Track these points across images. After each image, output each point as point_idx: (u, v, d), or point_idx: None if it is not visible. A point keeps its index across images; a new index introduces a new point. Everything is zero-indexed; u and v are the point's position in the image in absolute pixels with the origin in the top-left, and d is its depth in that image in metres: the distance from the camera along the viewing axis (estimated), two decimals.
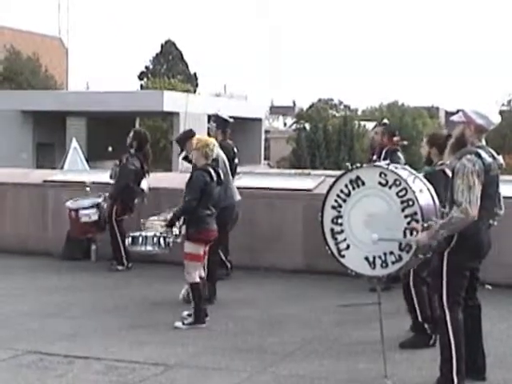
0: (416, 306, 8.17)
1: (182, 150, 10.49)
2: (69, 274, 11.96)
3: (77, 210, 12.54)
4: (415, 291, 8.14)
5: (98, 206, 12.56)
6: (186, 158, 10.66)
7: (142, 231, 9.80)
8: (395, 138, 10.71)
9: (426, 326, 8.05)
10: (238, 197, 10.68)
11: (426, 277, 7.78)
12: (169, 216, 9.75)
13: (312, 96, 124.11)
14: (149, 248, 9.77)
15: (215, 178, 9.13)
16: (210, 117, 11.07)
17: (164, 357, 7.67)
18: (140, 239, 9.73)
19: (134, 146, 12.45)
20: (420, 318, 8.14)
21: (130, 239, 9.90)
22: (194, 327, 8.77)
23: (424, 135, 9.13)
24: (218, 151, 9.88)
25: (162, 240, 9.62)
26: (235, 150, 11.51)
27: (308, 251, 11.81)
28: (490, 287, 7.82)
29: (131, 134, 12.60)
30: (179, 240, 9.36)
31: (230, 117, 11.73)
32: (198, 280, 8.98)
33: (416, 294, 8.13)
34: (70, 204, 12.70)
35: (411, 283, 8.15)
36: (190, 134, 10.42)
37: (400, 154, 10.62)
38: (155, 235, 9.62)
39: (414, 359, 7.62)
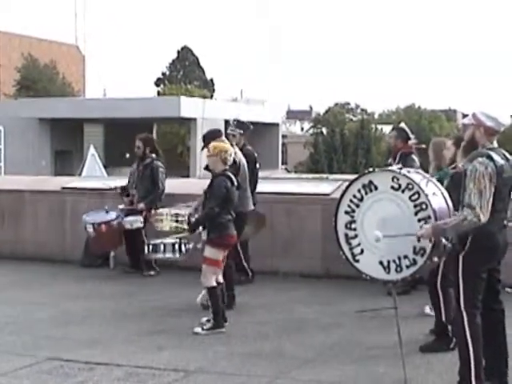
0: (441, 306, 8.18)
1: (204, 148, 10.41)
2: (88, 281, 12.00)
3: (109, 222, 12.41)
4: (442, 292, 8.15)
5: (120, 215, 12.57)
6: (207, 168, 10.63)
7: (161, 238, 9.83)
8: (410, 142, 10.73)
9: (450, 327, 8.04)
10: (250, 207, 10.63)
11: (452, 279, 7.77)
12: (182, 211, 9.82)
13: (329, 100, 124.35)
14: (169, 255, 9.80)
15: (236, 183, 9.17)
16: (227, 122, 11.06)
17: (184, 362, 7.70)
18: (161, 247, 9.75)
19: (148, 151, 12.51)
20: (444, 319, 8.14)
21: (150, 247, 9.91)
22: (213, 332, 8.80)
23: (432, 144, 9.09)
24: (240, 157, 9.92)
25: (182, 246, 9.67)
26: (256, 156, 11.52)
27: (326, 256, 11.81)
28: (510, 290, 7.78)
29: (140, 143, 12.57)
30: (199, 246, 9.39)
31: (248, 122, 11.77)
32: (215, 284, 9.01)
33: (443, 295, 8.14)
34: (91, 218, 12.57)
35: (438, 284, 8.16)
36: (217, 134, 10.34)
37: (414, 157, 10.62)
38: (175, 242, 9.66)
39: (434, 363, 7.62)
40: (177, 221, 10.20)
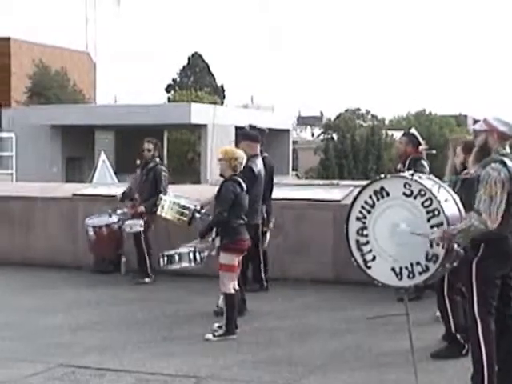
0: (450, 315, 8.15)
1: (236, 145, 10.38)
2: (99, 287, 12.01)
3: (109, 225, 12.50)
4: (449, 301, 8.12)
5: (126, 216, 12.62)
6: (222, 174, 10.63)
7: (176, 249, 9.78)
8: (421, 147, 10.70)
9: (459, 336, 8.02)
10: (258, 220, 10.50)
11: (461, 286, 7.74)
12: (188, 204, 9.85)
13: (339, 106, 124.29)
14: (185, 264, 9.70)
15: (245, 188, 9.17)
16: (238, 128, 11.03)
17: (195, 369, 7.70)
18: (176, 257, 9.69)
19: (156, 156, 12.52)
20: (453, 329, 8.11)
21: (165, 258, 9.75)
22: (224, 339, 8.79)
23: (450, 141, 9.05)
24: (260, 168, 9.88)
25: (197, 255, 9.64)
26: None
27: (337, 262, 11.81)
28: None
29: (151, 146, 12.53)
30: (213, 253, 9.37)
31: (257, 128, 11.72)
32: (232, 291, 9.02)
33: (450, 303, 8.11)
34: (93, 221, 12.65)
35: (445, 293, 8.13)
36: (253, 137, 10.39)
37: (424, 162, 10.59)
38: (190, 251, 9.63)
39: (445, 369, 7.61)
40: (181, 213, 10.22)
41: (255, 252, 10.69)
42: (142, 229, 12.17)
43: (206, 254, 9.55)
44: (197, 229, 9.76)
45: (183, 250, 9.67)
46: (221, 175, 9.38)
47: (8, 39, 72.54)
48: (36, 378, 7.49)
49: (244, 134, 10.52)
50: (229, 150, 9.41)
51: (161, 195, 11.14)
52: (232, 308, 8.98)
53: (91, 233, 12.51)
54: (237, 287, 9.18)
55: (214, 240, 9.22)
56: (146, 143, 12.64)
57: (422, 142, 10.84)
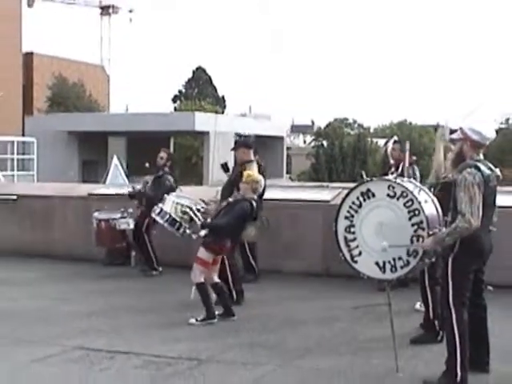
0: (429, 304, 8.17)
1: (233, 150, 10.40)
2: (110, 279, 12.02)
3: (108, 220, 12.56)
4: (430, 291, 8.14)
5: (129, 215, 12.64)
6: (223, 166, 10.60)
7: (172, 211, 9.96)
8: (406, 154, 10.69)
9: (436, 322, 8.03)
10: None
11: (439, 278, 7.75)
12: (191, 205, 9.88)
13: (329, 116, 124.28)
14: (167, 225, 10.07)
15: (255, 209, 9.18)
16: (239, 136, 10.99)
17: (196, 352, 7.69)
18: (166, 216, 10.03)
19: (168, 165, 12.47)
20: (431, 316, 8.13)
21: (158, 210, 10.13)
22: (205, 323, 8.86)
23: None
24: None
25: (181, 228, 9.81)
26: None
27: (326, 256, 11.80)
28: (491, 288, 7.78)
29: (164, 155, 12.47)
30: (195, 237, 9.47)
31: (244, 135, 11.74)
32: (202, 280, 9.05)
33: (431, 293, 8.13)
34: (98, 214, 12.70)
35: (426, 284, 8.16)
36: (249, 144, 10.40)
37: (415, 167, 10.62)
38: (179, 221, 9.81)
39: (423, 354, 7.59)
40: (185, 213, 10.24)
41: (242, 246, 10.73)
42: (129, 227, 12.34)
43: (188, 232, 9.68)
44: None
45: (175, 216, 9.96)
46: (226, 171, 9.49)
47: (31, 54, 72.67)
48: (53, 360, 7.49)
49: (240, 142, 10.53)
50: (251, 174, 9.43)
51: (165, 195, 11.12)
52: (206, 295, 9.02)
53: (94, 225, 12.61)
54: (217, 280, 9.19)
55: (201, 228, 9.26)
56: (162, 152, 12.62)
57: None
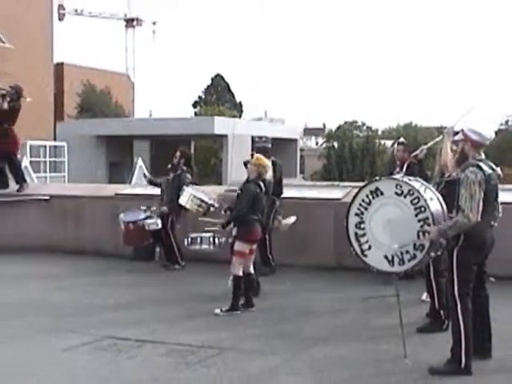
0: (435, 295, 8.15)
1: (252, 155, 10.42)
2: (136, 273, 12.03)
3: (136, 222, 12.47)
4: (435, 282, 8.12)
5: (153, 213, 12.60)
6: (246, 164, 10.62)
7: (199, 233, 9.86)
8: (413, 154, 10.67)
9: (442, 312, 8.01)
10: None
11: (443, 270, 7.73)
12: (206, 198, 9.85)
13: (339, 119, 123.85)
14: (205, 246, 9.82)
15: (264, 189, 9.16)
16: (253, 138, 11.05)
17: (218, 341, 7.70)
18: (198, 239, 9.77)
19: (182, 163, 12.48)
20: (437, 306, 8.11)
21: (189, 239, 9.89)
22: (230, 314, 8.85)
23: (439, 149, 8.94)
24: (270, 174, 9.86)
25: (216, 240, 9.70)
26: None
27: (338, 251, 11.78)
28: (493, 280, 7.75)
29: (178, 154, 12.51)
30: (230, 240, 9.41)
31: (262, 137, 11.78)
32: (241, 274, 9.02)
33: (436, 285, 8.11)
34: (124, 216, 12.63)
35: (431, 276, 8.14)
36: (265, 150, 10.44)
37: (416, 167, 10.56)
38: (210, 236, 9.68)
39: (429, 342, 7.57)
40: (200, 205, 10.24)
41: (262, 240, 10.72)
42: (158, 227, 12.08)
43: (223, 240, 9.59)
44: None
45: (205, 234, 9.72)
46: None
47: (62, 64, 72.98)
48: (84, 349, 7.52)
49: (259, 148, 10.64)
50: (260, 158, 9.41)
51: (184, 187, 11.11)
52: (238, 288, 9.00)
53: (122, 227, 12.52)
54: (252, 271, 9.18)
55: (231, 229, 9.23)
56: (177, 151, 12.64)
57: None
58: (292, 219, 11.38)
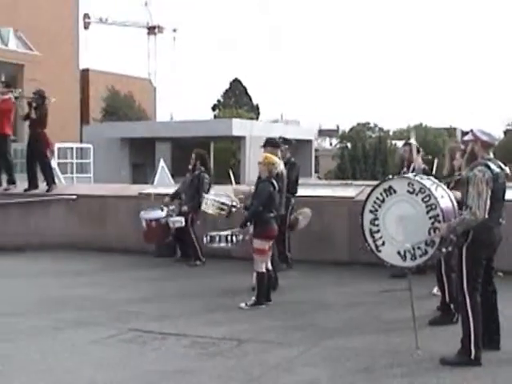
0: (446, 288, 8.13)
1: (262, 147, 10.39)
2: (159, 268, 12.06)
3: (158, 219, 12.49)
4: (446, 277, 8.11)
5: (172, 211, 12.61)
6: None
7: (217, 231, 9.85)
8: (420, 154, 10.63)
9: (452, 306, 7.98)
10: (282, 211, 10.20)
11: (454, 265, 7.70)
12: (226, 201, 9.86)
13: (352, 120, 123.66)
14: (223, 244, 9.79)
15: (277, 187, 9.16)
16: (267, 140, 10.96)
17: (237, 333, 7.72)
18: (217, 238, 9.76)
19: (199, 164, 12.50)
20: (447, 299, 8.10)
21: (208, 238, 9.87)
22: (254, 308, 8.84)
23: (448, 149, 8.91)
24: (282, 168, 9.81)
25: (234, 238, 9.69)
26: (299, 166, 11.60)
27: (352, 247, 11.77)
28: (501, 274, 7.71)
29: (193, 156, 12.58)
30: (247, 238, 9.41)
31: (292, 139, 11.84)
32: (264, 270, 9.02)
33: (447, 279, 8.10)
34: (144, 214, 12.66)
35: (443, 271, 8.12)
36: (275, 143, 10.36)
37: (424, 166, 10.52)
38: (228, 234, 9.67)
39: (440, 334, 7.55)
40: (221, 209, 10.25)
41: (280, 237, 10.68)
42: (182, 225, 12.11)
43: (240, 238, 9.58)
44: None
45: (223, 233, 9.72)
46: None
47: (87, 70, 73.46)
48: (111, 341, 7.56)
49: (267, 141, 10.50)
50: (268, 156, 9.39)
51: (204, 194, 11.14)
52: (262, 284, 8.99)
53: (144, 224, 12.52)
54: (270, 267, 9.18)
55: (248, 227, 9.22)
56: (193, 153, 12.74)
57: (420, 150, 10.76)
58: (306, 210, 11.28)
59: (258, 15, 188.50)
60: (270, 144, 10.42)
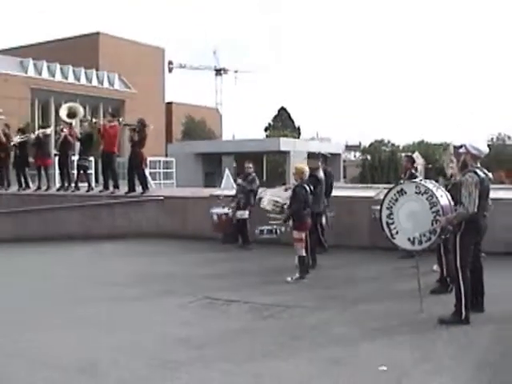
0: (444, 265, 8.05)
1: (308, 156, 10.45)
2: (225, 252, 12.08)
3: (227, 214, 12.55)
4: (444, 257, 8.03)
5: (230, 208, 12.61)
6: None
7: (264, 226, 10.01)
8: (418, 162, 10.54)
9: (448, 279, 7.89)
10: (320, 209, 10.26)
11: (450, 248, 7.61)
12: (279, 200, 9.90)
13: (371, 137, 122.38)
14: (269, 236, 10.12)
15: (309, 190, 9.14)
16: (310, 154, 11.01)
17: (285, 301, 7.73)
18: (264, 230, 10.00)
19: (252, 171, 12.75)
20: (445, 274, 8.02)
21: (258, 230, 10.11)
22: (298, 282, 8.84)
23: (444, 160, 8.85)
24: (321, 175, 9.87)
25: (277, 230, 9.83)
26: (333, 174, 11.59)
27: (372, 235, 11.67)
28: (485, 255, 7.61)
29: (250, 165, 12.88)
30: (288, 229, 9.43)
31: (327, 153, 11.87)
32: (304, 254, 9.01)
33: (445, 259, 8.00)
34: (214, 209, 12.75)
35: (442, 252, 8.05)
36: (315, 156, 10.39)
37: (415, 173, 10.33)
38: (273, 228, 9.83)
39: (439, 300, 7.47)
40: (276, 206, 10.30)
41: (315, 228, 10.65)
42: (246, 217, 12.20)
43: (282, 229, 9.66)
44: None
45: (268, 226, 9.95)
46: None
47: (171, 103, 74.39)
48: (190, 306, 7.65)
49: (309, 155, 10.66)
50: (298, 167, 9.40)
51: (262, 195, 11.17)
52: (303, 264, 8.99)
53: (215, 217, 12.60)
54: (304, 254, 9.13)
55: (288, 222, 9.25)
56: (247, 163, 13.04)
57: (417, 160, 10.70)
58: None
59: (303, 51, 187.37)
60: (312, 157, 10.52)
